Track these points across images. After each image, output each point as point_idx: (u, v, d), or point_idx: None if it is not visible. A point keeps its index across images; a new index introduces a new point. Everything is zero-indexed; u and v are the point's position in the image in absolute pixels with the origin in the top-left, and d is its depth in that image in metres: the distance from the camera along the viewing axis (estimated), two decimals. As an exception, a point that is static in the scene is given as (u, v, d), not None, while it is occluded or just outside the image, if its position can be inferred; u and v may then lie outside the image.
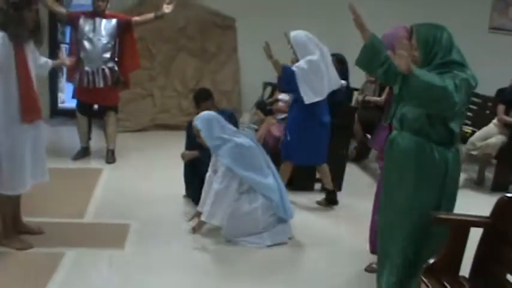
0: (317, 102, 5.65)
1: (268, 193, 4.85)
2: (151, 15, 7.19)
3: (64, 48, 9.63)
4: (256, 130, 7.55)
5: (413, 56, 3.46)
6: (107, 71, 6.95)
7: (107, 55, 6.99)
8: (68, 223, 5.29)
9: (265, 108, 7.66)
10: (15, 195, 4.64)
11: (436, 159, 3.47)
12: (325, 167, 5.99)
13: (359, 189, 6.52)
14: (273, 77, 8.08)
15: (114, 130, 7.37)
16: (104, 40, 6.94)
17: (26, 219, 4.96)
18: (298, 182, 6.39)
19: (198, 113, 5.32)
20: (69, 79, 7.39)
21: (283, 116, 6.76)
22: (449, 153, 3.51)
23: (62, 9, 7.16)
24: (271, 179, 4.98)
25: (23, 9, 4.33)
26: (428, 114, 3.44)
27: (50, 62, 5.13)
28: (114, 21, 7.02)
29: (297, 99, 5.74)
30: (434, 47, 3.51)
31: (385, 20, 8.24)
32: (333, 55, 6.97)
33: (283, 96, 6.99)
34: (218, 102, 9.20)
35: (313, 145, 5.78)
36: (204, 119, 4.97)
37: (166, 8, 7.04)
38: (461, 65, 3.47)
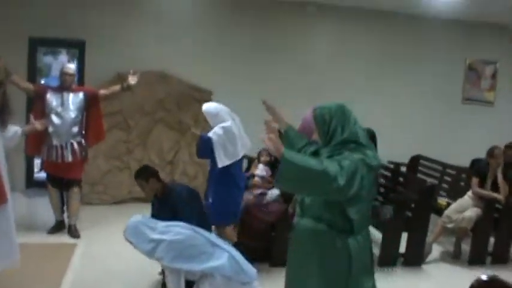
0: (233, 165, 5.97)
1: (221, 271, 4.72)
2: (117, 87, 7.27)
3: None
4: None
5: (316, 136, 3.54)
6: (75, 145, 6.99)
7: (76, 129, 7.04)
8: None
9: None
10: None
11: (338, 248, 3.31)
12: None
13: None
14: (250, 149, 8.18)
15: (77, 205, 7.23)
16: (73, 114, 6.98)
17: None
18: (276, 256, 6.36)
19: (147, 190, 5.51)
20: (29, 152, 7.40)
21: (259, 191, 6.77)
22: (352, 241, 3.32)
23: (28, 85, 7.12)
24: (218, 257, 4.77)
25: None
26: (325, 200, 3.30)
27: (19, 130, 5.09)
28: (81, 94, 7.09)
29: (213, 166, 6.00)
30: (331, 126, 3.42)
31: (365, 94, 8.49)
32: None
33: (260, 171, 7.01)
34: (195, 175, 9.29)
35: (234, 205, 6.00)
36: (131, 228, 4.79)
37: (132, 80, 7.12)
38: (360, 145, 3.35)
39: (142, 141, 9.28)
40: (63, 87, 7.05)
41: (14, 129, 4.99)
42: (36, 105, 7.02)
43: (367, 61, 10.30)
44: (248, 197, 6.94)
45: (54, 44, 10.26)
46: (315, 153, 3.57)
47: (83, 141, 7.11)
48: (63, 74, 7.06)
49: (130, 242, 4.81)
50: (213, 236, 4.96)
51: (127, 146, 9.20)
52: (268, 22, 9.90)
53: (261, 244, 6.35)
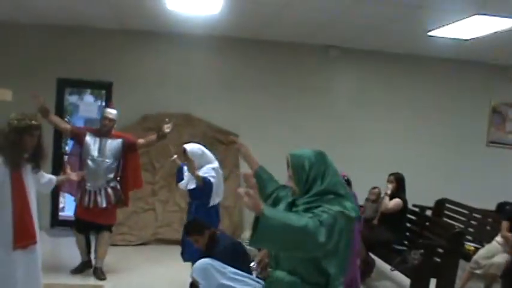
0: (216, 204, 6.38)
1: None
2: (154, 136, 7.21)
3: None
4: (259, 249, 7.51)
5: (292, 186, 3.41)
6: (109, 190, 6.93)
7: (111, 175, 6.99)
8: None
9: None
10: None
11: None
12: None
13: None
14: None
15: (106, 249, 7.17)
16: (109, 161, 6.94)
17: None
18: None
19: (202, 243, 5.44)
20: (63, 189, 7.36)
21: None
22: None
23: (66, 126, 7.11)
24: None
25: (24, 134, 4.39)
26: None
27: (54, 179, 5.12)
28: (119, 141, 7.03)
29: (203, 204, 6.28)
30: (310, 175, 3.28)
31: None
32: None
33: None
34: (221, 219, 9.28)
35: None
36: (200, 269, 4.82)
37: (167, 128, 7.07)
38: (339, 196, 3.21)
39: (167, 183, 9.31)
40: (101, 132, 7.00)
41: (49, 177, 5.04)
42: (74, 147, 7.07)
43: (390, 105, 10.27)
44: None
45: (82, 85, 10.39)
46: (292, 204, 3.40)
47: (118, 186, 7.05)
48: (104, 118, 7.01)
49: (198, 283, 4.79)
50: None
51: (152, 188, 9.24)
52: (292, 66, 9.95)
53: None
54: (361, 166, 9.33)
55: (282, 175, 8.20)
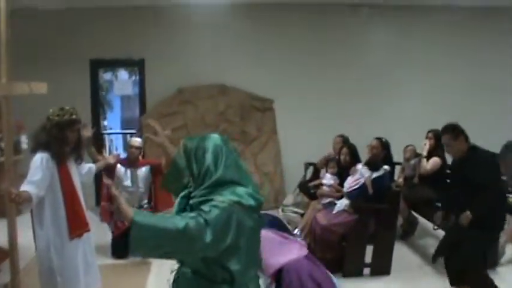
0: None
1: None
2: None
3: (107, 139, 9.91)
4: (302, 214, 7.56)
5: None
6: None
7: (144, 201, 7.25)
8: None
9: (308, 190, 7.68)
10: None
11: None
12: None
13: (408, 272, 6.36)
14: (314, 157, 8.16)
15: None
16: (142, 190, 7.19)
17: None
18: (348, 266, 6.34)
19: None
20: (104, 219, 7.37)
21: (327, 200, 6.76)
22: None
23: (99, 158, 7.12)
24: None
25: (66, 129, 4.48)
26: None
27: (93, 167, 5.24)
28: (147, 168, 7.22)
29: None
30: (204, 164, 2.90)
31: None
32: (377, 139, 7.05)
33: (327, 180, 6.99)
34: (260, 185, 9.33)
35: None
36: None
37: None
38: (235, 184, 2.86)
39: (206, 156, 9.32)
40: (130, 160, 7.20)
41: (89, 166, 5.16)
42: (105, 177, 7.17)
43: (426, 60, 9.98)
44: (316, 206, 6.95)
45: (114, 64, 10.46)
46: (188, 197, 3.03)
47: (151, 206, 7.28)
48: (130, 147, 7.25)
49: None
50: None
51: (192, 160, 9.28)
52: (325, 28, 9.78)
53: (333, 255, 6.31)
54: (399, 124, 9.24)
55: (316, 140, 8.21)
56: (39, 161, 4.38)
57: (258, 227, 2.98)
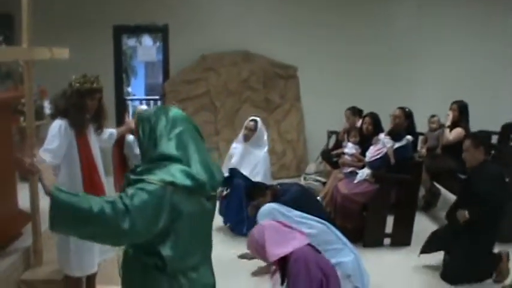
0: None
1: (344, 268, 4.71)
2: None
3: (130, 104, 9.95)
4: (324, 183, 7.55)
5: None
6: None
7: None
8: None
9: (330, 158, 7.66)
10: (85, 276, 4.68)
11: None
12: None
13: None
14: (337, 125, 8.13)
15: None
16: None
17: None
18: (369, 236, 6.34)
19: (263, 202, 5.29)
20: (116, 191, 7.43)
21: (349, 170, 6.74)
22: (167, 283, 2.65)
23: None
24: (345, 255, 4.80)
25: (85, 97, 4.43)
26: None
27: (114, 133, 5.19)
28: None
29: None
30: (151, 138, 2.71)
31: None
32: (400, 108, 6.98)
33: (349, 149, 6.96)
34: (283, 152, 9.33)
35: None
36: (264, 214, 4.81)
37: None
38: (177, 161, 2.59)
39: (229, 122, 9.37)
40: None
41: (110, 132, 5.12)
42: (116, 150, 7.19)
43: (452, 28, 9.81)
44: (338, 175, 6.93)
45: (138, 31, 10.44)
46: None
47: None
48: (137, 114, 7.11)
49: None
50: (341, 234, 4.93)
51: (215, 127, 9.31)
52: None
53: (353, 225, 6.31)
54: (423, 95, 9.14)
55: (339, 109, 8.18)
56: (57, 129, 4.34)
57: (205, 211, 2.71)
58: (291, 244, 3.87)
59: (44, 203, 4.30)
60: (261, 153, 6.79)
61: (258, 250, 3.92)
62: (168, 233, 2.56)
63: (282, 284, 3.79)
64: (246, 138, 6.77)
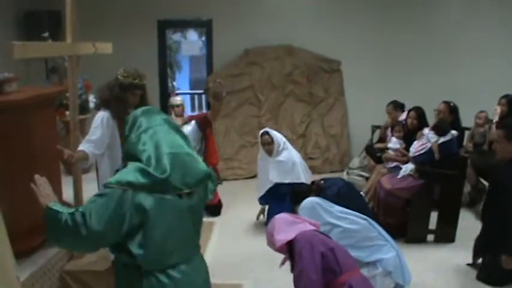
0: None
1: (385, 265, 4.67)
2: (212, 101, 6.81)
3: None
4: (367, 178, 7.51)
5: None
6: None
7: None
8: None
9: (374, 153, 7.60)
10: None
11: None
12: None
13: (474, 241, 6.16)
14: (381, 120, 8.06)
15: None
16: (193, 145, 7.06)
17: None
18: (412, 232, 6.27)
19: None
20: None
21: (393, 165, 6.69)
22: (147, 282, 2.67)
23: None
24: (387, 251, 4.75)
25: (127, 91, 4.54)
26: None
27: None
28: (193, 123, 6.99)
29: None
30: (125, 137, 2.89)
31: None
32: (444, 102, 6.89)
33: (393, 144, 6.89)
34: (327, 147, 9.30)
35: None
36: (306, 208, 4.79)
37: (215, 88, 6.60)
38: (136, 159, 2.69)
39: (273, 115, 9.38)
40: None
41: None
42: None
43: (502, 19, 9.62)
44: (381, 170, 6.88)
45: (182, 25, 10.52)
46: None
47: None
48: (171, 106, 7.23)
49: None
50: (383, 230, 4.89)
51: (259, 121, 9.32)
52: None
53: (396, 220, 6.25)
54: (469, 89, 8.97)
55: (383, 103, 8.09)
56: (100, 120, 4.49)
57: (178, 209, 2.71)
58: (294, 230, 3.89)
59: (87, 196, 4.39)
60: (290, 155, 6.67)
61: (269, 239, 3.95)
62: (137, 232, 2.60)
63: (292, 271, 3.80)
64: (270, 153, 6.64)
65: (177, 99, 7.38)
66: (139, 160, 2.66)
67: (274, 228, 3.93)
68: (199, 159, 2.87)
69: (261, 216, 6.88)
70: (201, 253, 2.98)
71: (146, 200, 2.58)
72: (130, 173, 2.60)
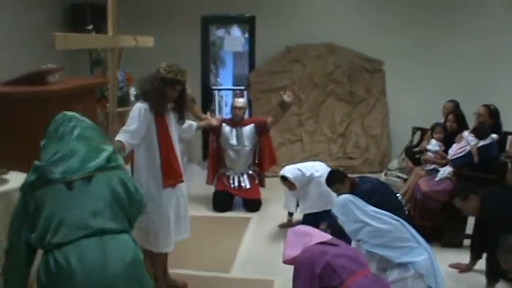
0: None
1: (417, 267, 4.62)
2: (279, 110, 7.19)
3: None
4: (405, 179, 7.45)
5: None
6: (252, 173, 7.50)
7: (250, 160, 7.50)
8: (213, 277, 5.41)
9: (413, 155, 7.53)
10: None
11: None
12: None
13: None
14: (422, 121, 7.98)
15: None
16: (247, 148, 7.35)
17: (172, 271, 5.15)
18: (447, 236, 6.21)
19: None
20: (211, 182, 7.62)
21: (431, 167, 6.63)
22: (44, 257, 2.75)
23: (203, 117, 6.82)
24: (419, 254, 4.68)
25: (166, 86, 4.58)
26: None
27: (194, 125, 5.34)
28: (252, 126, 7.35)
29: None
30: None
31: None
32: (484, 105, 6.80)
33: (432, 146, 6.82)
34: (367, 147, 9.25)
35: None
36: (339, 205, 4.79)
37: (287, 97, 6.90)
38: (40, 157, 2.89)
39: (313, 114, 9.37)
40: (235, 121, 7.37)
41: (189, 123, 5.25)
42: (212, 137, 7.54)
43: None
44: (419, 172, 6.83)
45: (225, 21, 10.60)
46: None
47: (257, 168, 7.57)
48: (234, 108, 7.40)
49: (337, 218, 4.86)
50: (416, 233, 4.87)
51: (299, 119, 9.33)
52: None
53: (432, 223, 6.19)
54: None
55: (425, 105, 8.00)
56: (137, 111, 4.54)
57: (67, 196, 2.77)
58: (300, 245, 3.93)
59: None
60: (313, 186, 6.47)
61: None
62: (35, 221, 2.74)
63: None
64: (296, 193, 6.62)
65: (239, 101, 7.53)
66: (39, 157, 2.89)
67: (286, 241, 4.02)
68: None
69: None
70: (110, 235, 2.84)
71: (45, 194, 2.74)
72: (29, 173, 2.79)
